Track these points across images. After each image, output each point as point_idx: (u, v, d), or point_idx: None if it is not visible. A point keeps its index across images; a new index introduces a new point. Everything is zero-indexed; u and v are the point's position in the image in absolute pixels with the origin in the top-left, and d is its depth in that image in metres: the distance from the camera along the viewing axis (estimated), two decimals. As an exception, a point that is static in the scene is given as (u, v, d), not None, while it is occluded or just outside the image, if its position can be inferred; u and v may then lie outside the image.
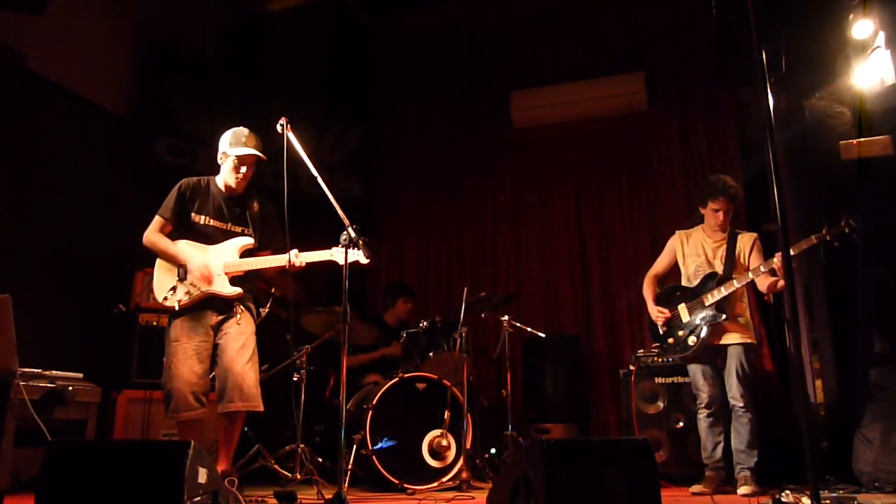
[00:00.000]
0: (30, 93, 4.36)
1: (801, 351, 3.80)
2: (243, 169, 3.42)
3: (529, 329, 4.86)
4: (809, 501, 2.00)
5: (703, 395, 3.80)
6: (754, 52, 2.26)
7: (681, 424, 4.24)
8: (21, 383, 2.93)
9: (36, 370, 3.18)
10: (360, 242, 3.03)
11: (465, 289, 4.44)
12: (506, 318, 4.62)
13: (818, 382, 4.28)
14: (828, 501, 2.85)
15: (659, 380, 4.38)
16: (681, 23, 5.80)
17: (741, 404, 3.64)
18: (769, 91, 2.20)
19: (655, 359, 4.46)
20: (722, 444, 3.75)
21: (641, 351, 4.60)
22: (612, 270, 5.79)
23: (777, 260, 3.41)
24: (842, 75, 4.00)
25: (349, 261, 3.13)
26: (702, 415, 3.82)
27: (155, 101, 5.33)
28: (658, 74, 5.85)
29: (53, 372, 3.28)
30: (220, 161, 3.48)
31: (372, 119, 6.64)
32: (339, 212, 3.06)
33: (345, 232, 3.01)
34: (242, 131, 3.45)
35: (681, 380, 4.28)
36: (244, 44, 6.20)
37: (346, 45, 6.67)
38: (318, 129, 6.08)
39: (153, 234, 3.38)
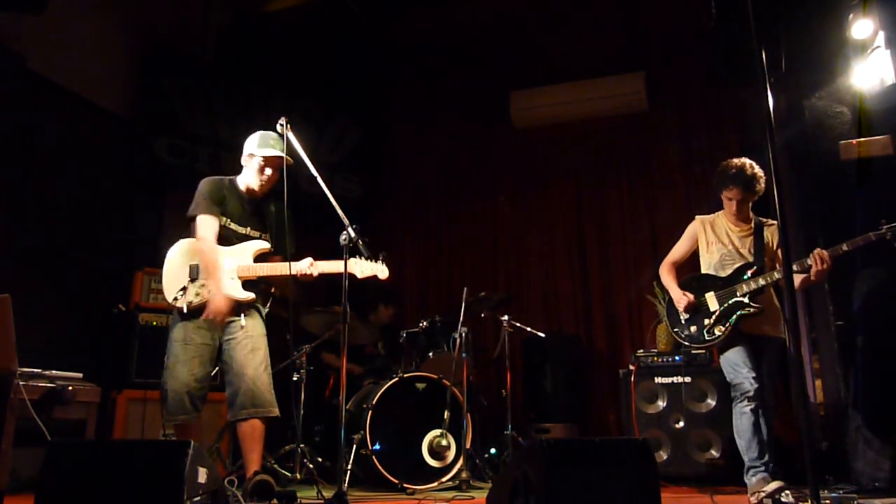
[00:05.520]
0: (30, 93, 4.36)
1: (801, 351, 3.79)
2: (268, 171, 3.35)
3: (529, 329, 4.86)
4: (809, 501, 2.00)
5: (747, 384, 3.30)
6: (754, 52, 2.25)
7: (681, 424, 4.24)
8: (21, 383, 2.92)
9: (36, 370, 3.17)
10: (381, 258, 3.08)
11: (465, 289, 4.44)
12: (506, 318, 4.63)
13: (818, 382, 4.27)
14: (828, 501, 2.85)
15: (659, 380, 4.38)
16: (681, 23, 5.80)
17: (769, 402, 3.35)
18: (769, 91, 2.20)
19: (655, 358, 4.46)
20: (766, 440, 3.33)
21: (641, 351, 4.59)
22: (612, 270, 5.80)
23: (814, 256, 3.19)
24: (842, 75, 4.00)
25: (367, 275, 3.14)
26: (747, 407, 3.30)
27: (155, 101, 5.33)
28: (658, 74, 5.86)
29: (53, 372, 3.27)
30: (244, 162, 3.40)
31: (372, 119, 6.65)
32: (339, 212, 3.06)
33: (344, 232, 3.02)
34: (271, 134, 3.36)
35: (681, 380, 4.28)
36: (244, 44, 6.21)
37: (345, 45, 6.67)
38: (318, 129, 6.09)
39: (210, 238, 3.21)
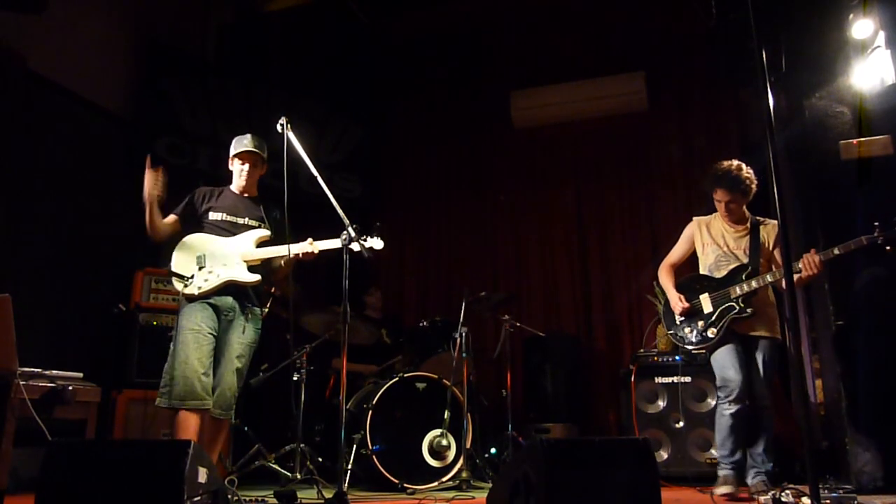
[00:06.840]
0: (30, 93, 4.36)
1: (801, 351, 3.77)
2: (245, 167, 3.53)
3: (529, 329, 4.86)
4: (809, 501, 2.00)
5: (732, 386, 3.36)
6: (754, 52, 2.25)
7: (681, 424, 4.24)
8: (21, 383, 2.93)
9: (36, 370, 3.17)
10: (373, 230, 3.19)
11: (465, 289, 4.44)
12: (506, 318, 4.62)
13: (818, 382, 4.27)
14: (828, 501, 2.84)
15: (659, 380, 4.38)
16: (681, 23, 5.80)
17: (766, 403, 3.41)
18: (769, 91, 2.20)
19: (655, 358, 4.46)
20: (742, 443, 3.42)
21: (641, 351, 4.59)
22: (612, 270, 5.80)
23: (804, 261, 3.21)
24: (842, 75, 3.99)
25: (365, 247, 3.18)
26: (728, 409, 3.37)
27: (155, 101, 5.33)
28: (658, 74, 5.86)
29: (53, 372, 3.27)
30: (230, 167, 3.61)
31: (372, 119, 6.65)
32: (339, 211, 3.08)
33: (344, 231, 3.03)
34: (245, 135, 3.58)
35: (680, 380, 4.28)
36: (244, 44, 6.20)
37: (346, 45, 6.67)
38: (318, 129, 6.08)
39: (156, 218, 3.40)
